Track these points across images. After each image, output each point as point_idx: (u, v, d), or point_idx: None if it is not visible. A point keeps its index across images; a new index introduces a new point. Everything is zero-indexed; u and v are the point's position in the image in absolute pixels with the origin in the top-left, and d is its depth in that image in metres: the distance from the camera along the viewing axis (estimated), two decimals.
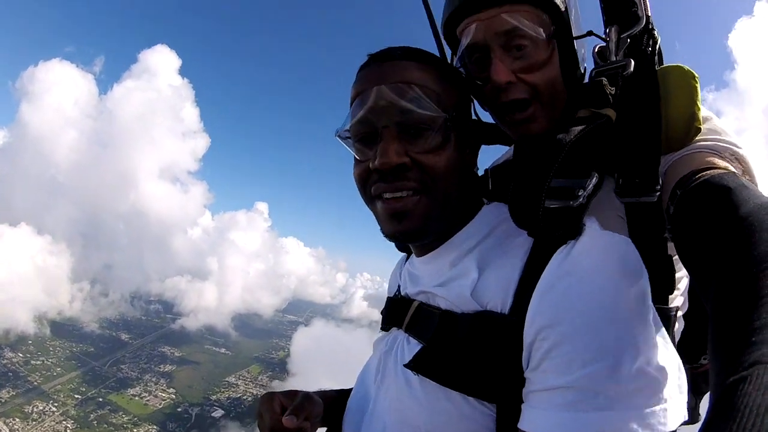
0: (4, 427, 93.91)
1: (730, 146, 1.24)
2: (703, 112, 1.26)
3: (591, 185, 1.13)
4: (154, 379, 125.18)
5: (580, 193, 1.10)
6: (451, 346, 1.15)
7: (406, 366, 1.21)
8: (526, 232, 1.17)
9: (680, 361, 1.05)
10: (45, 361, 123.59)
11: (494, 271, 1.19)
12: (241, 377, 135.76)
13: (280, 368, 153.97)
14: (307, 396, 1.37)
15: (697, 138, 1.24)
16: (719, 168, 1.14)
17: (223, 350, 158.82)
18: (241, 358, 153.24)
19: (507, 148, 1.71)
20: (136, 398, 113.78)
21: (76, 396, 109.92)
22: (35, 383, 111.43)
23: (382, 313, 1.56)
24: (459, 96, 1.33)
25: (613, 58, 1.35)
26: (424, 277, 1.37)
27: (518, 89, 1.32)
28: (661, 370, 0.97)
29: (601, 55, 1.41)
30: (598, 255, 1.05)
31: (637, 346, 0.95)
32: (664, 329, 1.04)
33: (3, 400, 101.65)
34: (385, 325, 1.50)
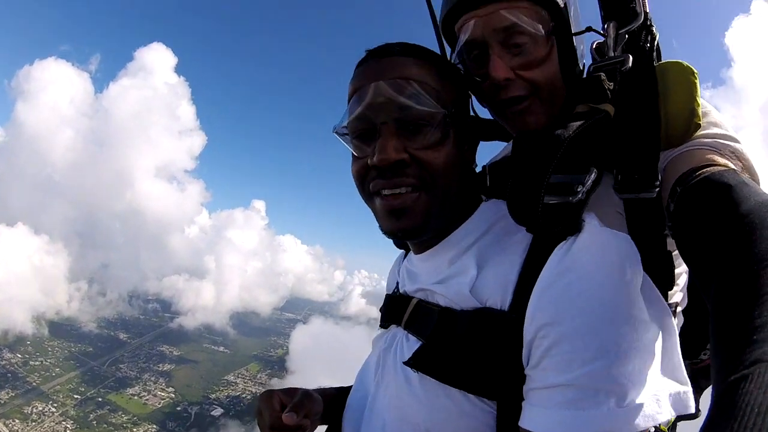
0: (4, 428, 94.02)
1: (730, 143, 1.23)
2: (702, 105, 1.25)
3: (590, 181, 1.12)
4: (153, 379, 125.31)
5: (579, 189, 1.09)
6: (450, 343, 1.15)
7: (406, 363, 1.21)
8: (524, 229, 1.17)
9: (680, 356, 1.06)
10: (44, 362, 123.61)
11: (493, 268, 1.19)
12: (240, 375, 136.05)
13: (279, 366, 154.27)
14: (306, 393, 1.37)
15: (696, 134, 1.24)
16: (719, 165, 1.14)
17: (221, 349, 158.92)
18: (240, 356, 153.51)
19: (505, 144, 1.71)
20: (136, 398, 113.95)
21: (76, 396, 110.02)
22: (34, 384, 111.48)
23: (380, 310, 1.56)
24: (457, 92, 1.32)
25: (612, 54, 1.34)
26: (422, 275, 1.37)
27: (517, 86, 1.31)
28: (663, 368, 0.98)
29: (599, 51, 1.40)
30: (597, 252, 1.05)
31: (636, 344, 0.95)
32: (669, 322, 1.05)
33: (2, 401, 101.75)
34: (384, 323, 1.49)
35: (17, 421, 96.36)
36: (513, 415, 1.04)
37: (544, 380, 0.99)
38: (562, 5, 1.32)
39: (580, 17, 1.43)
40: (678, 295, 1.42)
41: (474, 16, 1.31)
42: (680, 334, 1.44)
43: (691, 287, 1.51)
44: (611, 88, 1.28)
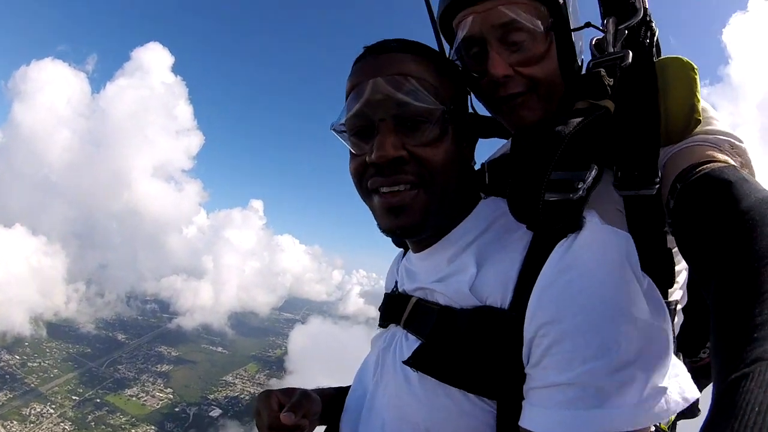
0: (2, 429, 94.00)
1: (730, 139, 1.22)
2: (702, 103, 1.24)
3: (590, 178, 1.11)
4: (151, 379, 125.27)
5: (579, 186, 1.09)
6: (450, 342, 1.14)
7: (405, 363, 1.20)
8: (524, 227, 1.16)
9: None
10: (42, 363, 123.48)
11: (493, 266, 1.18)
12: (238, 376, 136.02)
13: (278, 366, 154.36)
14: (305, 393, 1.36)
15: (696, 130, 1.23)
16: (719, 161, 1.13)
17: (219, 349, 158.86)
18: (238, 356, 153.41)
19: (504, 141, 1.71)
20: (134, 399, 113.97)
21: (74, 397, 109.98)
22: (32, 385, 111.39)
23: (379, 309, 1.55)
24: (456, 89, 1.31)
25: (611, 50, 1.33)
26: (421, 273, 1.36)
27: (516, 83, 1.31)
28: (662, 366, 0.97)
29: (598, 47, 1.40)
30: (598, 249, 1.04)
31: (638, 343, 0.95)
32: (668, 322, 1.04)
33: (0, 403, 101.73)
34: (383, 322, 1.49)
35: (15, 422, 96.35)
36: (513, 415, 1.03)
37: (544, 379, 0.98)
38: (561, 1, 1.31)
39: (578, 13, 1.43)
40: (678, 292, 1.41)
41: (472, 12, 1.31)
42: (680, 333, 1.46)
43: (690, 285, 1.51)
44: (611, 84, 1.26)
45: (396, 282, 1.52)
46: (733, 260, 0.81)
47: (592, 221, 1.10)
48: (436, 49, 1.48)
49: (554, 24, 1.31)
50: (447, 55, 1.47)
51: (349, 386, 1.57)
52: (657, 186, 1.19)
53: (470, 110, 1.46)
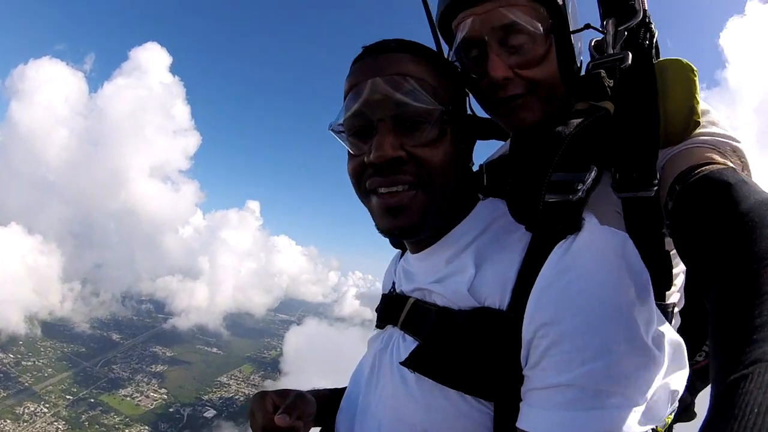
0: None
1: (729, 141, 1.23)
2: (702, 105, 1.24)
3: (590, 179, 1.11)
4: (145, 380, 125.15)
5: (579, 188, 1.08)
6: (448, 343, 1.14)
7: (402, 364, 1.19)
8: (523, 228, 1.16)
9: (683, 346, 1.08)
10: (36, 362, 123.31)
11: (491, 267, 1.17)
12: (233, 377, 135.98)
13: (273, 367, 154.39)
14: (299, 395, 1.35)
15: (695, 132, 1.23)
16: (718, 163, 1.13)
17: (214, 350, 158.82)
18: (233, 357, 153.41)
19: (501, 143, 1.72)
20: (128, 399, 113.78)
21: (68, 397, 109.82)
22: (26, 384, 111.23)
23: (376, 310, 1.54)
24: (454, 90, 1.31)
25: (610, 51, 1.33)
26: (419, 274, 1.35)
27: (516, 85, 1.31)
28: (661, 367, 0.97)
29: (597, 49, 1.39)
30: (598, 251, 1.04)
31: (636, 344, 0.95)
32: (666, 324, 1.05)
33: None
34: (380, 323, 1.48)
35: (9, 421, 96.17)
36: (510, 416, 1.03)
37: (543, 380, 0.98)
38: (561, 2, 1.32)
39: (578, 14, 1.44)
40: (675, 295, 1.42)
41: (472, 14, 1.30)
42: None
43: (687, 288, 1.52)
44: (611, 85, 1.27)
45: (393, 283, 1.52)
46: (732, 262, 0.81)
47: (591, 222, 1.10)
48: (434, 49, 1.48)
49: (554, 26, 1.32)
50: (446, 56, 1.47)
51: (345, 387, 1.57)
52: (655, 188, 1.19)
53: (469, 111, 1.46)
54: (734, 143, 1.23)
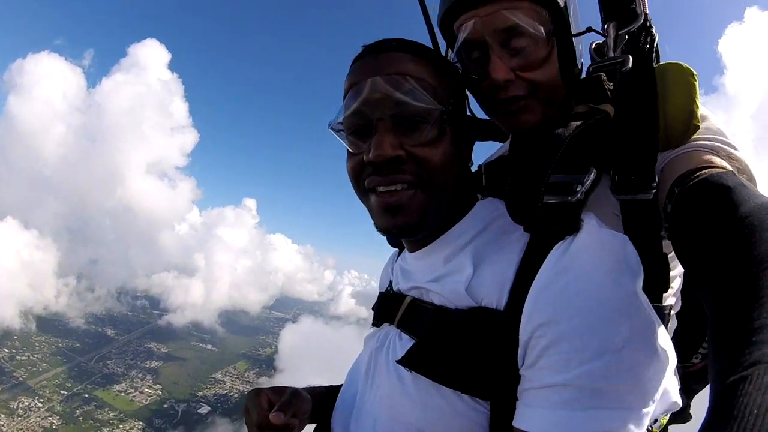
0: None
1: (727, 147, 1.23)
2: (702, 110, 1.25)
3: (589, 181, 1.11)
4: (140, 375, 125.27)
5: (578, 189, 1.09)
6: (444, 342, 1.14)
7: (399, 362, 1.19)
8: (521, 228, 1.17)
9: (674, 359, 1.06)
10: (30, 357, 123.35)
11: (489, 267, 1.17)
12: (227, 374, 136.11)
13: (267, 365, 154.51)
14: (295, 392, 1.35)
15: (694, 136, 1.23)
16: (717, 167, 1.13)
17: (209, 347, 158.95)
18: (228, 354, 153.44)
19: (500, 144, 1.72)
20: (122, 394, 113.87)
21: (62, 392, 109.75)
22: (21, 379, 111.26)
23: (373, 308, 1.55)
24: (454, 90, 1.31)
25: (611, 55, 1.34)
26: (417, 273, 1.35)
27: (517, 86, 1.31)
28: (658, 369, 0.97)
29: (598, 52, 1.40)
30: (596, 252, 1.04)
31: (635, 345, 0.95)
32: (662, 327, 1.04)
33: None
34: (377, 321, 1.48)
35: (3, 416, 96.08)
36: (506, 416, 1.03)
37: (540, 380, 0.98)
38: (563, 5, 1.32)
39: (579, 17, 1.44)
40: (672, 298, 1.43)
41: (474, 16, 1.30)
42: (673, 338, 1.46)
43: (684, 290, 1.52)
44: (611, 88, 1.28)
45: (390, 281, 1.52)
46: (731, 265, 0.81)
47: (589, 224, 1.10)
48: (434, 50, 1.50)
49: (556, 29, 1.32)
50: (446, 56, 1.49)
51: (341, 385, 1.57)
52: (654, 190, 1.19)
53: (468, 113, 1.46)
54: (732, 150, 1.23)
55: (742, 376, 0.59)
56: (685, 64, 1.24)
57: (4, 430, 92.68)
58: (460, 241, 1.27)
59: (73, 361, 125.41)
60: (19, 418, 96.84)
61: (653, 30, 1.36)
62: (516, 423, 1.00)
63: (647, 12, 1.33)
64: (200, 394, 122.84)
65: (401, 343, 1.27)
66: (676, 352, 1.14)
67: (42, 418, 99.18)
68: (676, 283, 1.43)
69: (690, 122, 1.21)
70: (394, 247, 1.72)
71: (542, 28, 1.27)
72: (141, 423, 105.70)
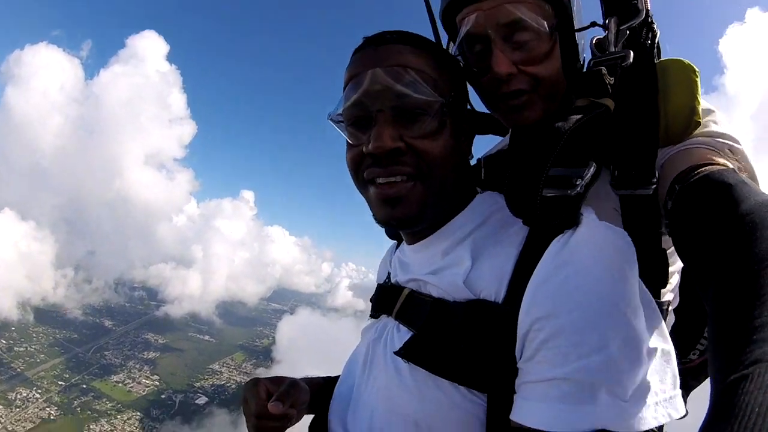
0: None
1: (729, 142, 1.22)
2: (706, 105, 1.24)
3: (589, 175, 1.11)
4: (137, 366, 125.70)
5: (577, 183, 1.09)
6: (442, 334, 1.13)
7: (397, 353, 1.19)
8: (520, 222, 1.17)
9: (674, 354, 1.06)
10: (28, 348, 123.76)
11: (488, 260, 1.17)
12: (224, 365, 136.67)
13: (265, 356, 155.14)
14: (293, 382, 1.36)
15: (695, 132, 1.23)
16: (718, 164, 1.13)
17: (207, 338, 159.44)
18: (225, 345, 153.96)
19: (500, 138, 1.72)
20: (120, 385, 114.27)
21: (60, 383, 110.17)
22: (18, 370, 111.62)
23: (371, 300, 1.55)
24: (455, 83, 1.31)
25: (612, 50, 1.33)
26: (415, 265, 1.35)
27: (519, 80, 1.30)
28: (658, 364, 0.97)
29: (599, 47, 1.39)
30: (596, 246, 1.04)
31: (633, 340, 0.95)
32: (662, 322, 1.04)
33: None
34: (375, 313, 1.48)
35: (1, 407, 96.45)
36: (503, 409, 1.03)
37: (538, 373, 0.98)
38: (566, 0, 1.31)
39: (582, 11, 1.42)
40: (670, 294, 1.43)
41: (477, 9, 1.29)
42: (671, 334, 1.46)
43: (682, 287, 1.52)
44: (612, 82, 1.28)
45: (389, 273, 1.51)
46: (732, 262, 0.81)
47: (589, 218, 1.10)
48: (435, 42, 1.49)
49: (559, 23, 1.31)
50: (447, 49, 1.49)
51: (338, 376, 1.56)
52: (654, 186, 1.19)
53: (468, 107, 1.46)
54: (734, 145, 1.23)
55: (743, 375, 0.58)
56: (686, 61, 1.24)
57: (2, 421, 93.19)
58: (458, 234, 1.27)
59: (71, 352, 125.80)
60: (17, 409, 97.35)
61: (654, 26, 1.37)
62: (513, 416, 1.00)
63: (649, 8, 1.33)
64: (198, 384, 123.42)
65: (399, 334, 1.27)
66: (675, 348, 1.16)
67: (40, 409, 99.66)
68: (674, 279, 1.43)
69: (691, 118, 1.20)
70: (393, 239, 1.72)
71: (545, 22, 1.26)
72: (138, 413, 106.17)
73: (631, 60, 1.28)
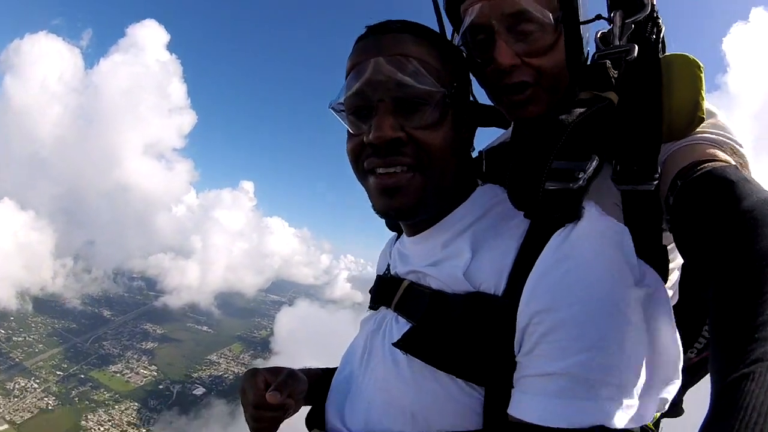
0: None
1: (732, 142, 1.22)
2: (709, 106, 1.25)
3: (591, 168, 1.11)
4: (135, 356, 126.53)
5: (580, 176, 1.09)
6: (441, 326, 1.13)
7: (395, 345, 1.18)
8: (521, 215, 1.16)
9: (680, 349, 1.05)
10: (27, 338, 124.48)
11: (488, 253, 1.17)
12: (222, 355, 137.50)
13: (263, 347, 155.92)
14: (291, 373, 1.37)
15: (699, 129, 1.23)
16: (721, 161, 1.13)
17: (205, 328, 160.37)
18: (223, 336, 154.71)
19: (502, 131, 1.72)
20: (118, 375, 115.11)
21: (58, 372, 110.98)
22: (17, 360, 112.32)
23: (370, 291, 1.54)
24: (458, 74, 1.30)
25: (617, 43, 1.33)
26: (415, 257, 1.35)
27: (522, 72, 1.30)
28: (657, 361, 0.97)
29: (603, 40, 1.38)
30: (597, 240, 1.03)
31: (633, 336, 0.94)
32: (665, 319, 1.04)
33: None
34: (374, 304, 1.48)
35: None
36: (501, 402, 1.02)
37: (536, 368, 0.97)
38: None
39: (587, 4, 1.43)
40: (669, 291, 1.42)
41: (482, 0, 1.29)
42: None
43: (681, 284, 1.52)
44: (616, 76, 1.27)
45: (388, 265, 1.51)
46: (734, 260, 0.81)
47: (590, 212, 1.10)
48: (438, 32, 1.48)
49: (564, 15, 1.30)
50: (450, 40, 1.48)
51: (336, 367, 1.57)
52: (656, 182, 1.19)
53: (471, 98, 1.45)
54: (737, 146, 1.23)
55: (744, 374, 0.58)
56: (691, 56, 1.23)
57: (1, 411, 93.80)
58: (458, 226, 1.26)
59: (69, 342, 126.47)
60: (16, 399, 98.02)
61: (660, 21, 1.37)
62: (511, 410, 1.00)
63: (654, 2, 1.33)
64: (195, 375, 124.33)
65: (398, 326, 1.26)
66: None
67: (38, 399, 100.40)
68: (674, 276, 1.44)
69: (695, 114, 1.20)
70: (393, 230, 1.71)
71: (550, 14, 1.26)
72: (136, 404, 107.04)
73: (636, 54, 1.27)
